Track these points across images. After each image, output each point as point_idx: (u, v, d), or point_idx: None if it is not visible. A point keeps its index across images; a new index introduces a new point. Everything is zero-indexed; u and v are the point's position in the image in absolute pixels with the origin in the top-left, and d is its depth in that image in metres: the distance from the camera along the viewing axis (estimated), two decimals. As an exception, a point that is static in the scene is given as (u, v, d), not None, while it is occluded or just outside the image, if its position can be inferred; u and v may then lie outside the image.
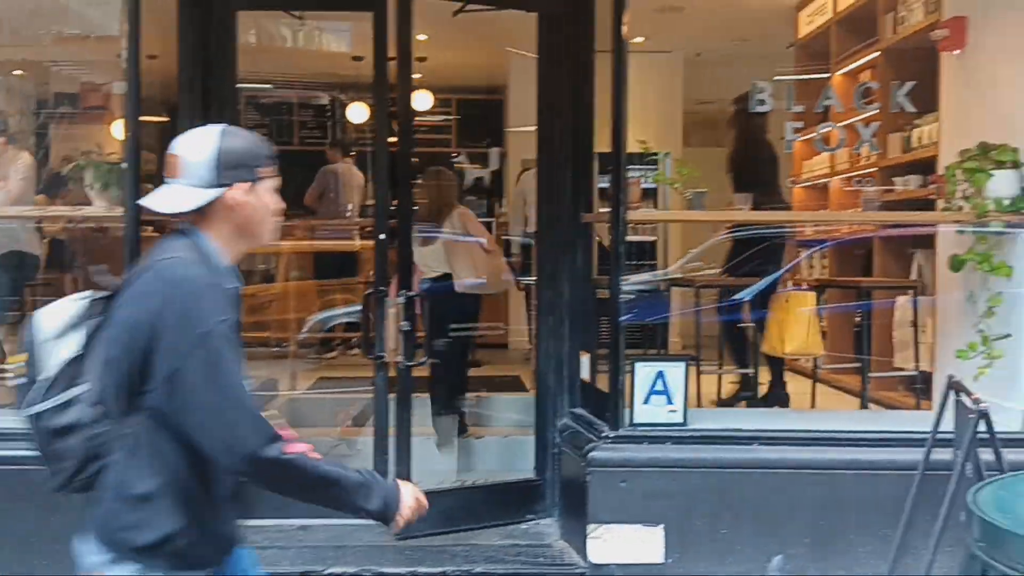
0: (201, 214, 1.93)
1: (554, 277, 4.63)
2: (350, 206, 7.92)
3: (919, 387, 5.12)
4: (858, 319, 5.58)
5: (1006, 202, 4.03)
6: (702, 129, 8.62)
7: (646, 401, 4.08)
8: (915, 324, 5.19)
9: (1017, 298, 4.03)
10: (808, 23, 7.02)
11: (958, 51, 4.61)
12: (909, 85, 4.39)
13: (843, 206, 6.37)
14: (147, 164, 4.68)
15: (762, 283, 5.28)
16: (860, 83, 5.17)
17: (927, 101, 4.92)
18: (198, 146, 1.94)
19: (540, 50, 4.64)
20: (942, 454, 3.44)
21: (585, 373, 4.60)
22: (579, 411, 4.50)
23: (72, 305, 1.97)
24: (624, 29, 4.05)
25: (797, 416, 5.04)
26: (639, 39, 6.70)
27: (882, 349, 5.47)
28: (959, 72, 4.69)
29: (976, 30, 4.52)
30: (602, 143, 4.40)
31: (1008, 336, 4.02)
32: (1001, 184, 4.03)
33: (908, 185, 5.56)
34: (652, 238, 7.96)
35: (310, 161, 8.63)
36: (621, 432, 4.04)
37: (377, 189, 4.60)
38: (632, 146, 4.47)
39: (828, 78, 6.16)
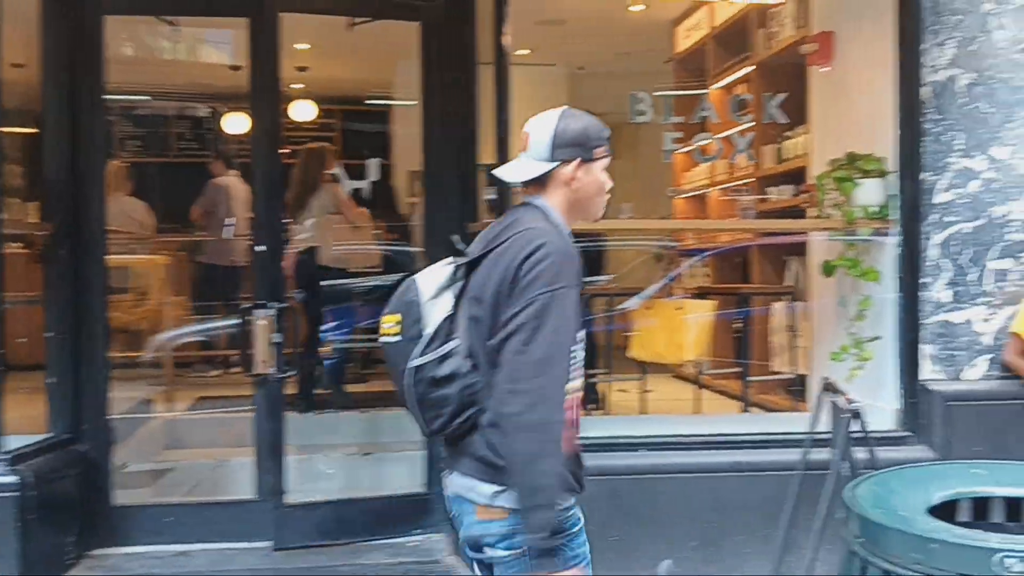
0: (541, 186, 2.18)
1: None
2: (231, 220, 7.67)
3: (797, 389, 5.28)
4: (737, 325, 5.73)
5: (873, 209, 4.18)
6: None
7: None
8: (792, 329, 5.35)
9: (885, 302, 4.18)
10: (686, 38, 7.20)
11: (827, 67, 4.79)
12: (780, 97, 4.52)
13: (721, 215, 6.55)
14: (13, 177, 4.42)
15: (650, 289, 5.38)
16: (735, 95, 5.31)
17: (799, 113, 5.10)
18: (541, 126, 2.19)
19: (423, 61, 4.60)
20: (822, 454, 3.54)
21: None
22: (468, 424, 4.46)
23: (443, 270, 2.18)
24: (506, 40, 4.05)
25: (682, 421, 5.11)
26: (524, 51, 6.76)
27: (761, 354, 5.62)
28: (827, 84, 4.87)
29: (843, 43, 4.70)
30: (487, 154, 4.38)
31: (878, 338, 4.17)
32: (868, 192, 4.17)
33: (782, 195, 5.74)
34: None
35: (187, 172, 8.35)
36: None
37: (255, 202, 4.47)
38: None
39: (705, 93, 6.34)
